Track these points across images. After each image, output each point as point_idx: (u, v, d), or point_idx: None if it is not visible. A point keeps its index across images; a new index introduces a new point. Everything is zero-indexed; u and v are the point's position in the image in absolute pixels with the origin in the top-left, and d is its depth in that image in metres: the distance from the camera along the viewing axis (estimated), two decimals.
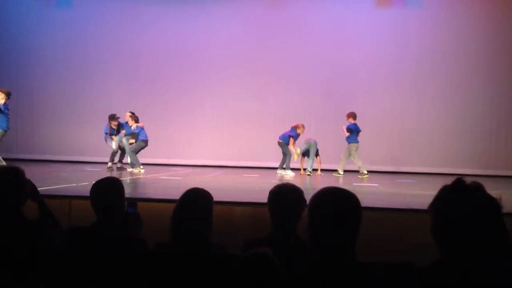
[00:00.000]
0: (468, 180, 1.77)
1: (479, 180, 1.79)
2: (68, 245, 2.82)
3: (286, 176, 11.58)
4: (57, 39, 15.42)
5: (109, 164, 12.14)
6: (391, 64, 14.27)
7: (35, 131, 15.52)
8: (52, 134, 15.36)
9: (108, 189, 3.00)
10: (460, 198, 1.72)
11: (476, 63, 13.97)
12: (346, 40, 14.40)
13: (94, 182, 3.06)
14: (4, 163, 9.30)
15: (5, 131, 9.88)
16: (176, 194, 2.89)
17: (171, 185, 8.49)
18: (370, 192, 7.81)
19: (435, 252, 1.79)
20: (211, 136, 14.79)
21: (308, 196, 2.94)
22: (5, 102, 9.88)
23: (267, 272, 1.79)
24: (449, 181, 1.80)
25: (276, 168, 12.23)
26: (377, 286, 1.87)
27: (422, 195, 7.38)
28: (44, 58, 15.48)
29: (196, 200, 2.75)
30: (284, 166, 11.99)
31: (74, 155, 14.67)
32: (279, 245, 2.20)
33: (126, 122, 11.96)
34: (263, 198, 3.08)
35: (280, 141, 12.09)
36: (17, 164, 3.16)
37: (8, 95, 9.97)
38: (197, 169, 12.89)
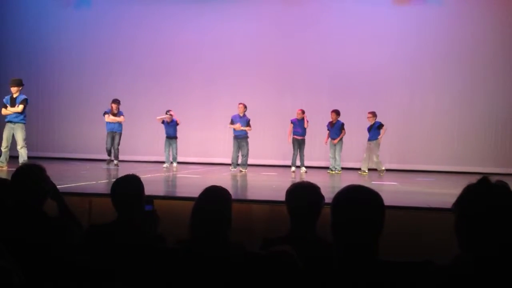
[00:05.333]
0: (493, 178, 1.75)
1: (498, 178, 1.77)
2: (88, 243, 2.85)
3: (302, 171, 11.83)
4: (75, 39, 15.54)
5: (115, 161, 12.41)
6: (409, 62, 14.14)
7: (55, 129, 15.68)
8: (71, 132, 15.50)
9: (129, 186, 3.02)
10: (486, 197, 1.71)
11: (496, 60, 13.77)
12: (364, 38, 14.29)
13: (114, 180, 3.08)
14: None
15: None
16: (195, 192, 2.90)
17: (190, 183, 8.53)
18: (389, 190, 7.77)
19: (454, 250, 1.77)
20: (229, 134, 14.79)
21: (326, 194, 2.94)
22: None
23: (289, 270, 1.79)
24: (469, 179, 1.79)
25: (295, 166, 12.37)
26: (399, 285, 1.85)
27: (441, 193, 7.33)
28: (62, 58, 15.62)
29: (215, 197, 2.75)
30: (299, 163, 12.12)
31: (93, 153, 14.77)
32: (298, 244, 2.20)
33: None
34: (281, 196, 3.08)
35: (299, 138, 12.17)
36: (38, 162, 3.19)
37: None
38: (215, 167, 12.91)
